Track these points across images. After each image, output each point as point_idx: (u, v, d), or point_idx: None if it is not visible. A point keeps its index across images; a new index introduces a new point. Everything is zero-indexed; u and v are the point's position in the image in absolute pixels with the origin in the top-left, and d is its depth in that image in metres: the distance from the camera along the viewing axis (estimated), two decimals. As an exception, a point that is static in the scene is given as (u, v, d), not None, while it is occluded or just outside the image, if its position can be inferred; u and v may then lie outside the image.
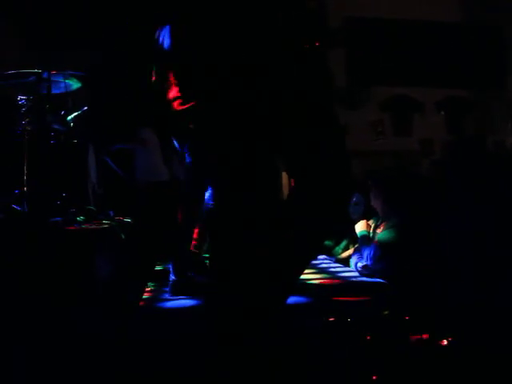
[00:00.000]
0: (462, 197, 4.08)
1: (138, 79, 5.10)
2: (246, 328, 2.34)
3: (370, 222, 3.86)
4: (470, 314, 2.62)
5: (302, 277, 3.40)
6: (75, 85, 4.02)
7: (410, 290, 3.08)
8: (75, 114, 4.03)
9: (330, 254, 4.19)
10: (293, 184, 4.37)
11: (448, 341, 2.28)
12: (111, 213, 4.15)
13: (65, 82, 3.92)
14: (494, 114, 7.37)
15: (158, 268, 3.90)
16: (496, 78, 7.50)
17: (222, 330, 2.34)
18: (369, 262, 3.51)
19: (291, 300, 2.82)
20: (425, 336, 2.35)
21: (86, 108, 4.16)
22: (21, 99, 3.67)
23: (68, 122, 3.97)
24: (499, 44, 7.52)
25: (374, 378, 2.30)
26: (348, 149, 6.14)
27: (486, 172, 4.17)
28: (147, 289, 3.33)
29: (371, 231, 3.75)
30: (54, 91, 3.86)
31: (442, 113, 7.24)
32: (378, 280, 3.38)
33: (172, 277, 3.08)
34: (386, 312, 2.71)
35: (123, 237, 3.57)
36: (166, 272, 3.75)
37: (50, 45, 4.59)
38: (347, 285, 3.40)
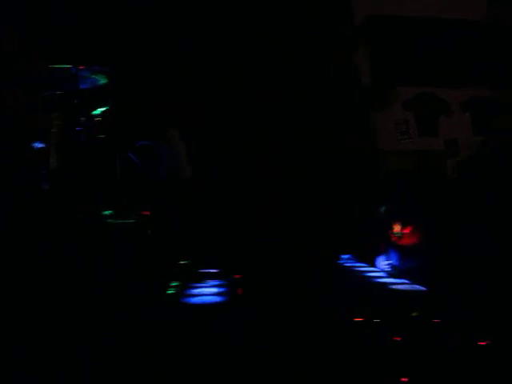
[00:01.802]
0: (488, 198, 4.02)
1: (165, 77, 5.12)
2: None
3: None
4: (505, 313, 2.58)
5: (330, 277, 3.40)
6: (102, 80, 4.03)
7: (439, 290, 3.04)
8: (102, 109, 4.04)
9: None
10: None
11: (482, 343, 2.24)
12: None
13: (92, 78, 3.94)
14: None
15: (182, 262, 3.90)
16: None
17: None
18: (396, 262, 3.48)
19: (319, 300, 2.80)
20: (456, 338, 2.31)
21: (112, 104, 4.17)
22: (49, 95, 3.69)
23: (95, 117, 3.98)
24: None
25: (403, 380, 2.27)
26: (373, 148, 6.09)
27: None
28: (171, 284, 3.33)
29: (399, 231, 3.72)
30: (82, 86, 3.88)
31: (468, 113, 7.14)
32: (405, 281, 3.35)
33: None
34: (415, 313, 2.68)
35: (148, 232, 3.58)
36: (189, 267, 3.76)
37: (78, 40, 4.62)
38: (373, 285, 3.37)
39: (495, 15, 7.25)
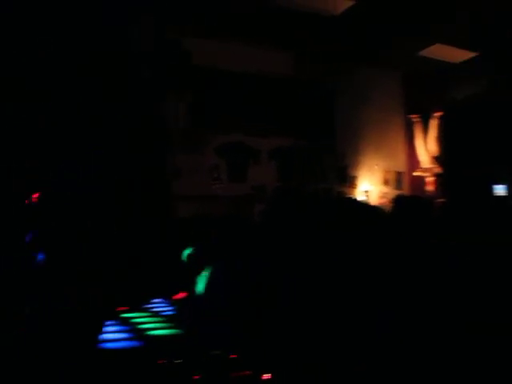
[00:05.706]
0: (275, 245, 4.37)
1: None
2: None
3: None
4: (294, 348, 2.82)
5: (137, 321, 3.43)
6: None
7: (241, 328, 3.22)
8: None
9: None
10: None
11: (269, 377, 2.44)
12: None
13: None
14: (324, 163, 8.10)
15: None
16: (326, 129, 8.30)
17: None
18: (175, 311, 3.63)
19: (123, 344, 2.85)
20: (247, 373, 2.50)
21: None
22: None
23: None
24: (329, 99, 8.33)
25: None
26: (185, 193, 6.29)
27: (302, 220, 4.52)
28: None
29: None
30: None
31: (274, 161, 7.78)
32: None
33: None
34: (217, 352, 2.82)
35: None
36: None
37: None
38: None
39: (299, 73, 8.05)
